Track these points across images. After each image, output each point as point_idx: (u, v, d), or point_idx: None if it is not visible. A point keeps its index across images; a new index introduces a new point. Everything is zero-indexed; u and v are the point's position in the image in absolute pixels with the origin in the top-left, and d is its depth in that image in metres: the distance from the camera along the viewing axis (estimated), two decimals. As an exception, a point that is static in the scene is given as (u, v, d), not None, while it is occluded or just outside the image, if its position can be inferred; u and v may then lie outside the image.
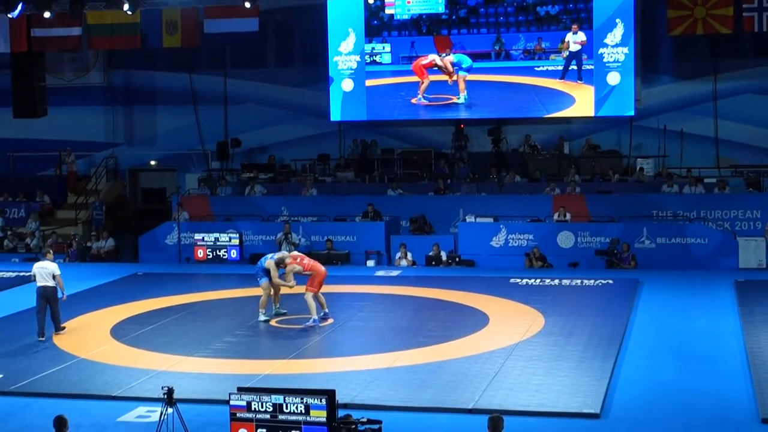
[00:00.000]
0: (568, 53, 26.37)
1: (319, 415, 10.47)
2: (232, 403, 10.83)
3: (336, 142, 29.47)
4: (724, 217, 24.02)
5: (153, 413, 12.30)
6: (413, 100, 27.43)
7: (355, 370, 14.38)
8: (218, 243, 24.85)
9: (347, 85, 27.75)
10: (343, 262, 24.23)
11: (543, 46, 26.71)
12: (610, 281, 21.09)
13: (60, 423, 10.01)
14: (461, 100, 27.08)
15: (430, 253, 23.88)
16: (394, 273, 23.02)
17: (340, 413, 11.06)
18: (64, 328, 17.14)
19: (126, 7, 23.25)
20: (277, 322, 17.72)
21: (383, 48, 27.61)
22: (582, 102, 26.54)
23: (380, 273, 23.08)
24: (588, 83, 26.41)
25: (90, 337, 16.87)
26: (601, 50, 26.18)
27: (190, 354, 15.51)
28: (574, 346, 15.44)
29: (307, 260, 17.63)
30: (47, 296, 16.86)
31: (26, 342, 16.58)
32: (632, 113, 26.52)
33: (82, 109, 31.03)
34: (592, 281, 21.17)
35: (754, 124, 27.04)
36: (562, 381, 13.58)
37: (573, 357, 14.80)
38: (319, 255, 23.49)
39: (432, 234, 25.00)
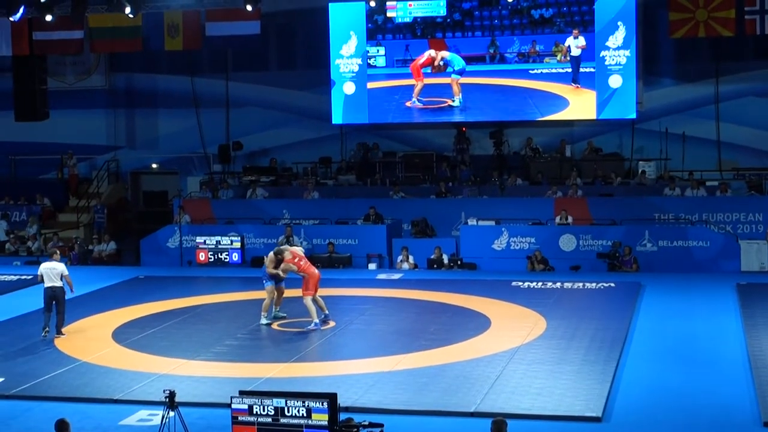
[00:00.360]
0: (570, 57, 26.40)
1: (321, 418, 10.46)
2: (233, 406, 10.82)
3: (338, 145, 29.47)
4: (726, 220, 23.99)
5: (155, 416, 12.28)
6: (407, 104, 27.49)
7: (357, 374, 14.37)
8: (220, 246, 24.85)
9: (349, 88, 27.77)
10: (344, 265, 24.22)
11: (537, 49, 26.80)
12: (612, 284, 21.07)
13: (62, 426, 10.01)
14: (456, 103, 27.14)
15: (432, 257, 23.87)
16: (396, 276, 23.01)
17: (342, 417, 11.06)
18: (63, 334, 17.14)
19: (128, 10, 23.28)
20: (278, 325, 17.72)
21: (377, 51, 27.65)
22: (576, 105, 26.59)
23: (382, 276, 23.07)
24: (589, 86, 26.42)
25: (92, 341, 16.87)
26: (602, 53, 26.18)
27: (192, 357, 15.51)
28: (576, 350, 15.43)
29: (303, 261, 17.61)
30: (55, 296, 17.05)
31: (28, 345, 16.58)
32: (634, 116, 26.51)
33: (84, 112, 31.05)
34: (593, 284, 21.15)
35: (756, 127, 27.03)
36: (564, 384, 13.57)
37: (575, 360, 14.79)
38: (321, 258, 23.55)
39: (434, 237, 24.98)
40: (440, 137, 28.87)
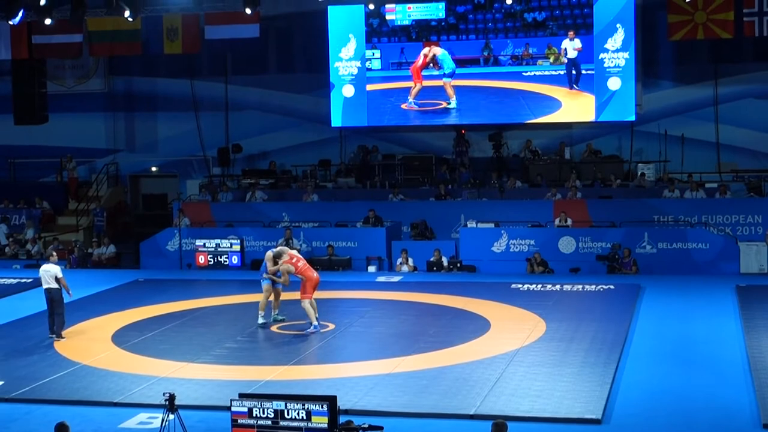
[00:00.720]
0: (567, 60, 26.45)
1: (321, 421, 10.45)
2: (233, 409, 10.81)
3: (337, 147, 29.49)
4: (725, 222, 24.01)
5: (154, 420, 12.28)
6: (403, 106, 27.55)
7: (357, 376, 14.37)
8: (219, 249, 24.84)
9: (348, 90, 27.80)
10: (344, 267, 24.22)
11: (530, 51, 26.91)
12: (612, 286, 21.07)
13: (61, 429, 10.00)
14: (451, 105, 27.20)
15: (432, 259, 23.87)
16: (396, 279, 23.01)
17: (342, 419, 11.04)
18: (63, 337, 17.14)
19: (127, 13, 23.30)
20: (278, 328, 17.72)
21: (373, 54, 27.70)
22: (570, 107, 26.65)
23: (381, 279, 23.07)
24: (588, 89, 26.45)
25: (91, 344, 16.86)
26: (601, 55, 26.22)
27: (192, 360, 15.51)
28: (575, 352, 15.43)
29: (302, 263, 17.59)
30: (51, 298, 17.09)
31: (28, 349, 16.57)
32: (633, 118, 26.54)
33: (83, 115, 31.08)
34: (593, 286, 21.15)
35: (755, 129, 27.07)
36: (563, 387, 13.57)
37: (574, 362, 14.79)
38: (321, 261, 23.55)
39: (433, 239, 24.99)
40: (439, 140, 28.90)
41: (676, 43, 26.30)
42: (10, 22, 23.27)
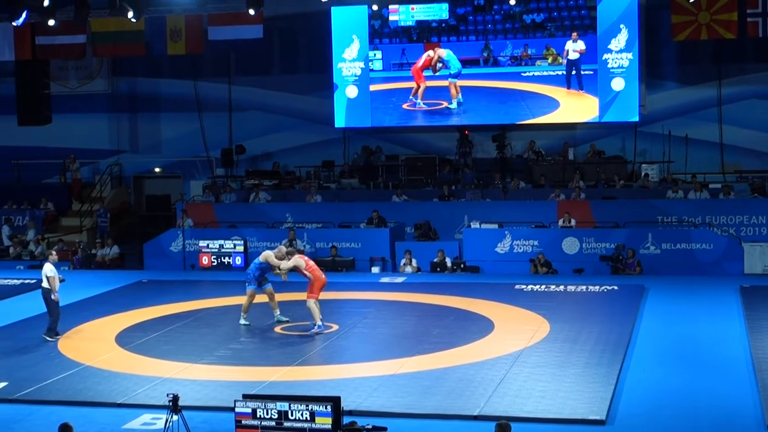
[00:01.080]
0: (567, 61, 26.45)
1: (325, 422, 10.45)
2: (237, 410, 10.82)
3: (340, 148, 29.48)
4: (729, 223, 23.98)
5: (158, 420, 12.29)
6: (405, 106, 27.57)
7: (360, 377, 14.36)
8: (223, 250, 24.85)
9: (351, 91, 27.79)
10: (347, 268, 24.22)
11: (529, 52, 26.93)
12: (615, 287, 21.06)
13: (65, 430, 10.01)
14: (453, 105, 27.20)
15: (435, 260, 23.86)
16: (399, 279, 23.00)
17: (346, 420, 11.05)
18: (58, 334, 17.17)
19: (130, 14, 23.27)
20: (281, 328, 17.72)
21: (374, 55, 27.71)
22: (568, 106, 26.63)
23: (385, 279, 23.06)
24: (591, 89, 26.44)
25: (95, 345, 16.86)
26: (605, 56, 26.19)
27: (195, 361, 15.51)
28: (579, 353, 15.42)
29: (312, 263, 17.59)
30: (45, 297, 17.19)
31: (31, 349, 16.58)
32: (637, 119, 26.52)
33: (87, 116, 31.10)
34: (597, 287, 21.14)
35: (759, 129, 27.02)
36: (567, 387, 13.56)
37: (578, 363, 14.78)
38: (324, 261, 23.53)
39: (437, 240, 24.99)
40: (443, 140, 28.89)
41: (680, 43, 26.27)
42: (14, 23, 23.27)
